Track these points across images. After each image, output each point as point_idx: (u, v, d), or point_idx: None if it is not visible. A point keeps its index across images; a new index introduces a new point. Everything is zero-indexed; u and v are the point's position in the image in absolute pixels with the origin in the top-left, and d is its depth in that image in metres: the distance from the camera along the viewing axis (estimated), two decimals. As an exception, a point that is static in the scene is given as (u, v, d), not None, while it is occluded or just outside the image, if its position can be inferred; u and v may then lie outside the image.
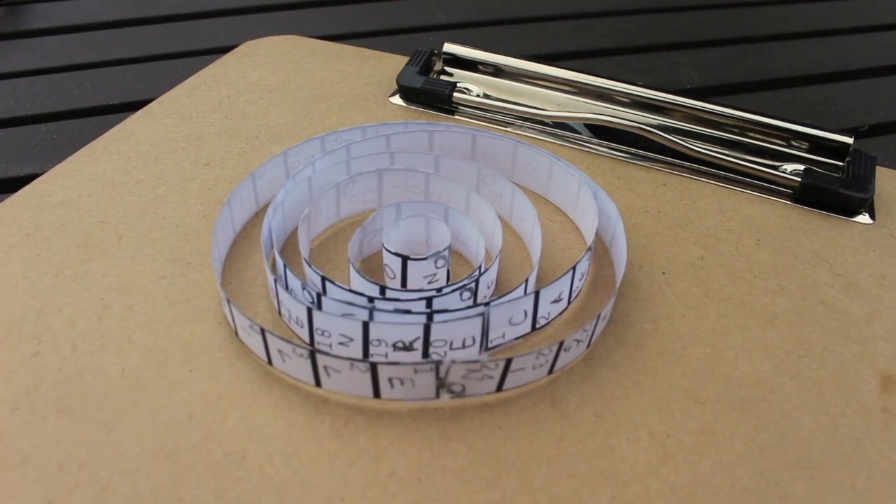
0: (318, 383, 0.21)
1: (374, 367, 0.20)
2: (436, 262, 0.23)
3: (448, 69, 0.36)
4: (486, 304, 0.22)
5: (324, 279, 0.22)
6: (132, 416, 0.20)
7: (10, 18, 0.46)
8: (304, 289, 0.22)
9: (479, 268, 0.23)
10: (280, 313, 0.23)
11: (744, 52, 0.45)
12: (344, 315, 0.21)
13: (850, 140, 0.31)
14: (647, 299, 0.25)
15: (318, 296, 0.22)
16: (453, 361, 0.20)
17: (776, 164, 0.31)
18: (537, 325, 0.23)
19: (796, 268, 0.26)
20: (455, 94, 0.34)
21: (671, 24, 0.48)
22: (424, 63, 0.36)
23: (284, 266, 0.23)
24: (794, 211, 0.29)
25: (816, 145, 0.31)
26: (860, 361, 0.23)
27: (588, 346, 0.23)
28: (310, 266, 0.23)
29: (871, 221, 0.29)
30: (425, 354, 0.21)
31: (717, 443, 0.20)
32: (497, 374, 0.20)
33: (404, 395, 0.21)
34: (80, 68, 0.40)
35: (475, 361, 0.20)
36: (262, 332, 0.21)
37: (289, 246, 0.27)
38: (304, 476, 0.19)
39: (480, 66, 0.36)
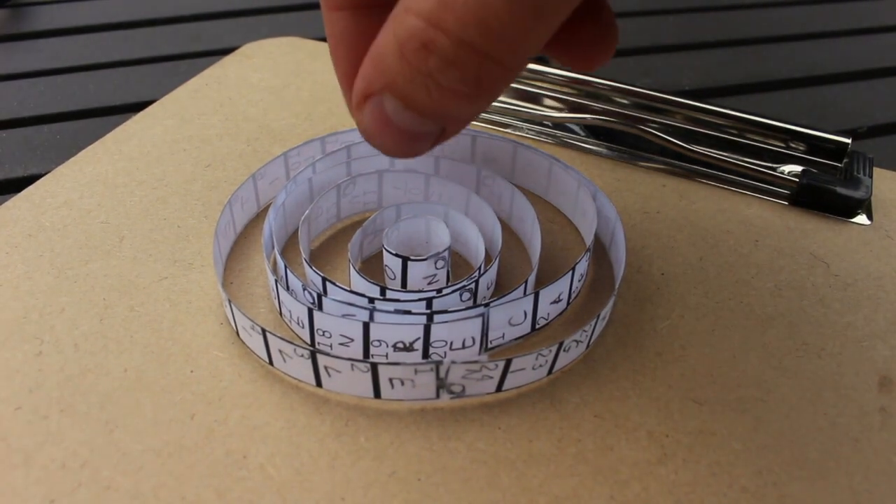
0: (318, 383, 0.21)
1: (374, 368, 0.20)
2: (436, 263, 0.23)
3: (448, 71, 0.37)
4: (486, 304, 0.22)
5: (324, 280, 0.23)
6: (134, 415, 0.20)
7: (13, 20, 0.46)
8: (304, 289, 0.22)
9: (479, 269, 0.24)
10: (281, 314, 0.23)
11: (742, 54, 0.45)
12: (344, 316, 0.21)
13: (847, 141, 0.31)
14: (645, 300, 0.25)
15: (319, 296, 0.22)
16: (453, 362, 0.20)
17: (774, 165, 0.31)
18: (537, 326, 0.23)
19: (794, 269, 0.26)
20: (455, 96, 0.34)
21: (670, 26, 0.49)
22: (425, 65, 0.36)
23: (285, 267, 0.23)
24: (791, 212, 0.29)
25: (814, 146, 0.31)
26: (857, 362, 0.23)
27: (587, 346, 0.23)
28: (310, 267, 0.23)
29: (868, 222, 0.29)
30: (425, 355, 0.21)
31: (716, 443, 0.20)
32: (497, 374, 0.20)
33: (404, 395, 0.21)
34: (82, 69, 0.41)
35: (475, 362, 0.20)
36: (264, 332, 0.21)
37: (289, 247, 0.27)
38: (305, 475, 0.19)
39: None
